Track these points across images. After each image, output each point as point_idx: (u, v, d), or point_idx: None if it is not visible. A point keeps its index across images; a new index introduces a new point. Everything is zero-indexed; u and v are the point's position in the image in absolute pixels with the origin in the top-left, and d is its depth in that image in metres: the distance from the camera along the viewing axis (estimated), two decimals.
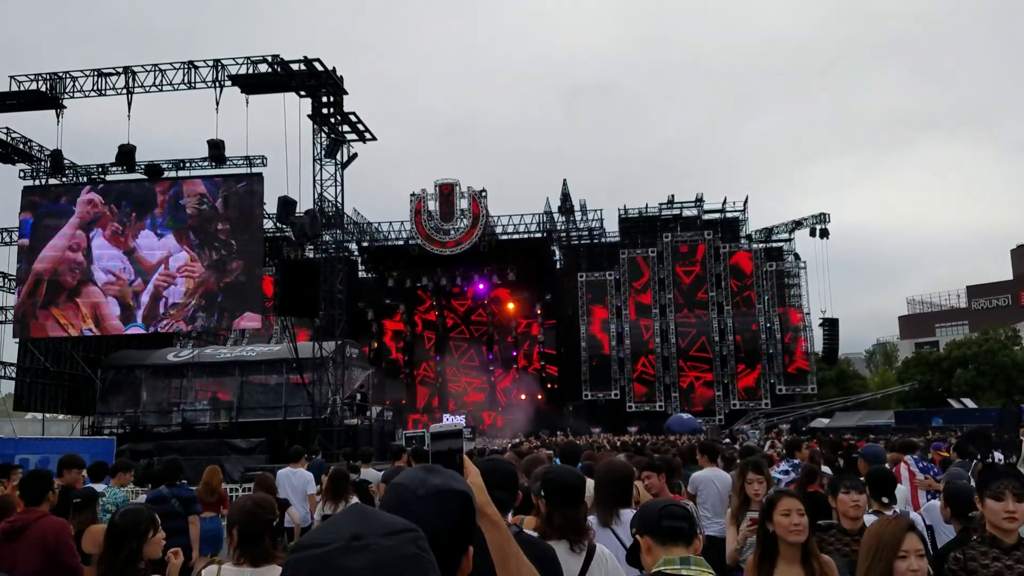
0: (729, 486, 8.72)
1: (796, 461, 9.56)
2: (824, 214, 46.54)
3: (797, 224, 48.27)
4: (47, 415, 34.17)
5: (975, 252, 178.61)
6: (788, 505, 3.89)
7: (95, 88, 26.75)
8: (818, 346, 48.08)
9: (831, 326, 46.34)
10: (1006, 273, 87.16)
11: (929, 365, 61.94)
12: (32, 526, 5.24)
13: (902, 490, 7.66)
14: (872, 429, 41.59)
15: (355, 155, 27.47)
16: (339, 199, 26.46)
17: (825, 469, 9.46)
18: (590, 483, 5.51)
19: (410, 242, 49.14)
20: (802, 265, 48.56)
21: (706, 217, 49.89)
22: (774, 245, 49.65)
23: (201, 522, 8.58)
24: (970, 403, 48.65)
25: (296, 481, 10.87)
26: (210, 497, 9.45)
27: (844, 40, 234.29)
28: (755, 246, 49.02)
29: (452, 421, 1.99)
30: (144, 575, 3.94)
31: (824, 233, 46.08)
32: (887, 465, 7.96)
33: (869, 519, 5.66)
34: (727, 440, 27.66)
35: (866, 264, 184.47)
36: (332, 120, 26.11)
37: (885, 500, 5.66)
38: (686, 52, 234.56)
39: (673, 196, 49.82)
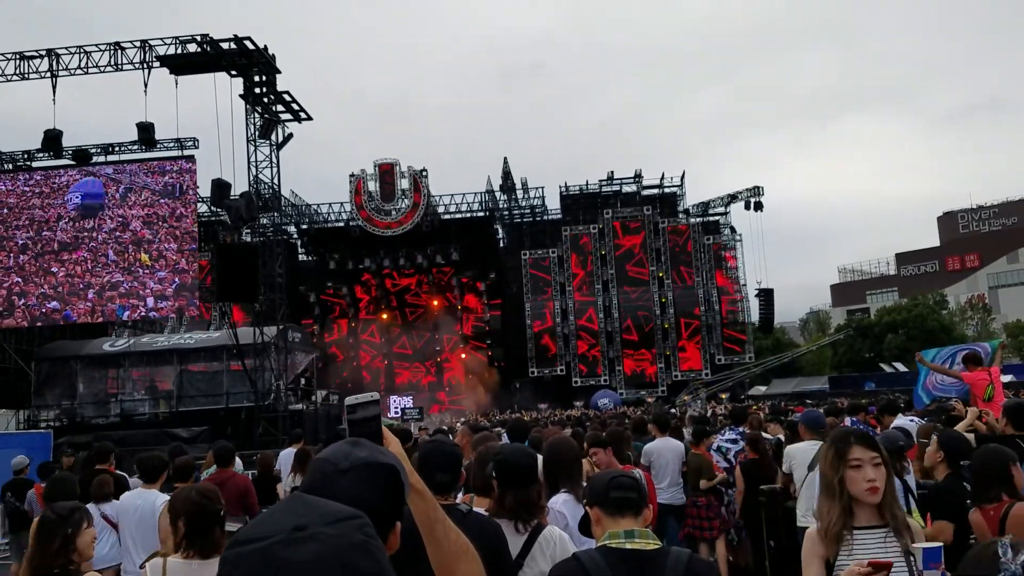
0: (681, 455, 8.94)
1: (741, 429, 9.82)
2: (758, 187, 47.51)
3: (732, 198, 49.18)
4: None
5: (903, 221, 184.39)
6: (860, 454, 3.00)
7: (17, 72, 25.67)
8: (754, 316, 49.27)
9: (766, 296, 47.47)
10: (933, 240, 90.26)
11: (861, 332, 63.82)
12: (229, 480, 7.68)
13: None
14: (808, 395, 42.81)
15: (290, 135, 26.96)
16: (275, 181, 25.98)
17: (770, 437, 9.74)
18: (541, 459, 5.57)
19: (351, 224, 48.63)
20: (738, 238, 49.58)
21: (645, 193, 50.48)
22: (711, 219, 50.51)
23: None
24: (901, 367, 50.34)
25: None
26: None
27: (772, 19, 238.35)
28: (692, 220, 49.80)
29: (368, 394, 1.91)
30: (76, 573, 3.74)
31: (758, 206, 47.06)
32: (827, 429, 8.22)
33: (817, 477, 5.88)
34: (673, 410, 28.21)
35: (799, 235, 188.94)
36: (265, 100, 25.53)
37: None
38: (620, 31, 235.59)
39: (613, 173, 50.35)
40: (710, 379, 46.36)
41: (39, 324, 27.08)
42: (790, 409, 18.46)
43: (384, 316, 51.43)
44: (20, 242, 26.02)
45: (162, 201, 25.98)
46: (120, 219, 25.95)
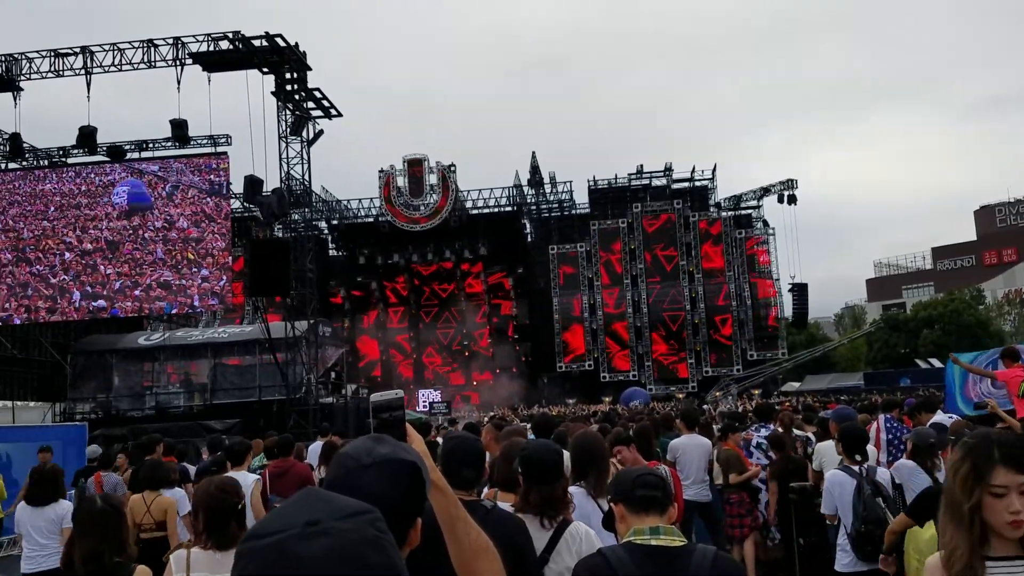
0: (708, 451, 8.87)
1: (771, 426, 9.70)
2: (792, 180, 46.98)
3: (765, 191, 48.68)
4: (17, 403, 33.72)
5: (939, 214, 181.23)
6: (1006, 480, 2.27)
7: (52, 69, 26.13)
8: (788, 311, 48.70)
9: (800, 291, 46.95)
10: (970, 234, 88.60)
11: (896, 327, 62.93)
12: (292, 468, 8.13)
13: (870, 448, 7.82)
14: (842, 391, 42.30)
15: (321, 132, 27.16)
16: (306, 177, 26.18)
17: (801, 433, 9.61)
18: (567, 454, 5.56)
19: (380, 219, 48.92)
20: (771, 232, 49.06)
21: (675, 186, 50.11)
22: (743, 212, 50.03)
23: None
24: (937, 363, 49.54)
25: None
26: None
27: (802, 7, 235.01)
28: (724, 214, 49.37)
29: (392, 392, 1.92)
30: (127, 565, 3.88)
31: (792, 199, 46.56)
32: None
33: (835, 474, 5.80)
34: (704, 407, 28.05)
35: (833, 228, 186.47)
36: (296, 97, 25.73)
37: (858, 457, 5.79)
38: (645, 20, 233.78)
39: (642, 166, 50.03)
40: (741, 375, 45.98)
41: (86, 319, 27.58)
42: (821, 405, 18.26)
43: (412, 310, 51.67)
44: (67, 240, 26.48)
45: (207, 199, 26.34)
46: (166, 217, 26.31)
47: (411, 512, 1.52)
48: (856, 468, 5.69)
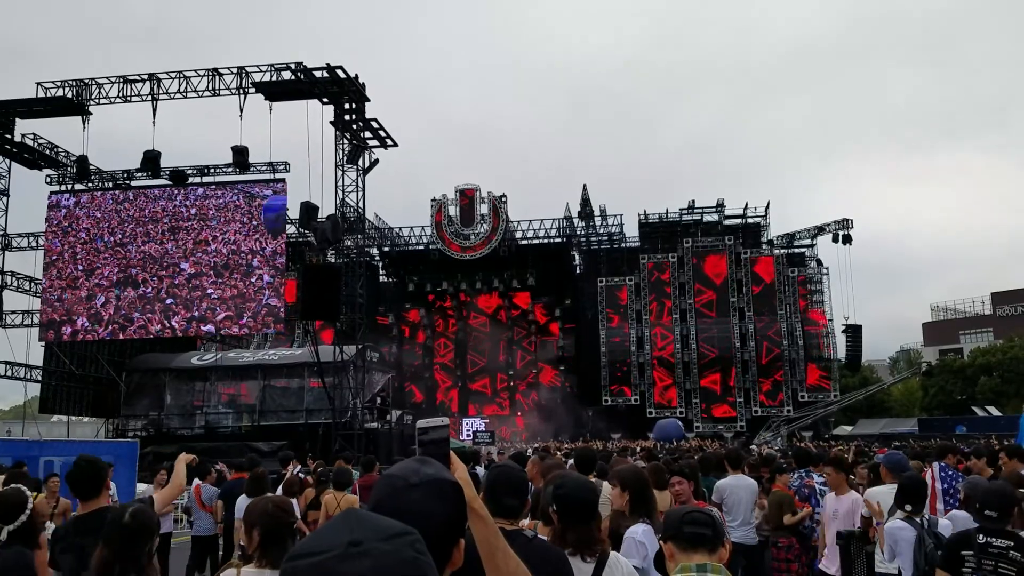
0: (755, 493, 8.68)
1: (813, 473, 9.43)
2: (847, 220, 46.21)
3: (819, 230, 47.95)
4: (72, 417, 34.54)
5: (1000, 258, 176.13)
6: None
7: (121, 95, 27.06)
8: (840, 353, 47.65)
9: (854, 332, 45.93)
10: None
11: (953, 372, 61.22)
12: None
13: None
14: (895, 437, 41.17)
15: (376, 161, 27.63)
16: (360, 204, 26.60)
17: (819, 478, 9.30)
18: (606, 487, 5.51)
19: (430, 247, 49.39)
20: (825, 271, 48.22)
21: (727, 222, 49.64)
22: (796, 251, 49.32)
23: None
24: (994, 411, 48.01)
25: None
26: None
27: (860, 42, 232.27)
28: (777, 252, 48.73)
29: (439, 419, 1.97)
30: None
31: (847, 239, 45.75)
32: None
33: (897, 525, 5.65)
34: (752, 447, 27.54)
35: (889, 269, 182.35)
36: (354, 127, 26.25)
37: (908, 508, 5.63)
38: (701, 54, 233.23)
39: (693, 201, 49.68)
40: (792, 416, 45.03)
41: (150, 337, 28.35)
42: (872, 451, 17.76)
43: (459, 338, 51.84)
44: (174, 260, 27.34)
45: (269, 224, 27.05)
46: (231, 240, 27.01)
47: (456, 531, 1.54)
48: (917, 519, 5.55)
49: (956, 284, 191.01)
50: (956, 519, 6.02)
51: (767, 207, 49.90)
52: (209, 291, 26.71)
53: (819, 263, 48.65)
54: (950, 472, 8.60)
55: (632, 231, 50.82)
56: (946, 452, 9.91)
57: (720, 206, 49.45)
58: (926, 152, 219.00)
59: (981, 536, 4.44)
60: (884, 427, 48.12)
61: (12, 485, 5.16)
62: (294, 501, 8.04)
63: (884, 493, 6.94)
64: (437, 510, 1.49)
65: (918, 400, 63.77)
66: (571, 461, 10.33)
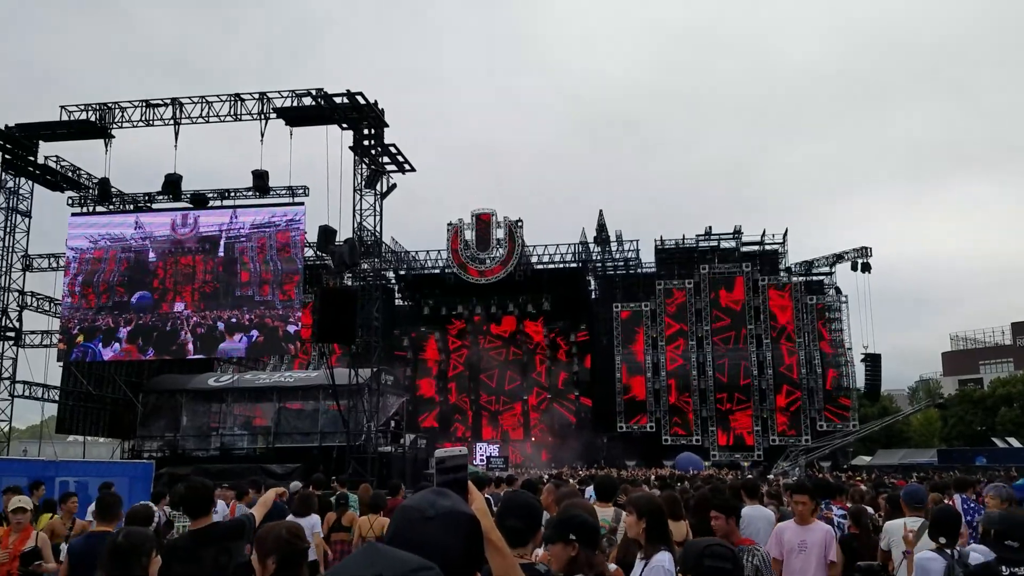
0: (772, 523, 8.57)
1: (833, 505, 9.32)
2: (866, 248, 45.97)
3: (838, 258, 47.69)
4: (88, 438, 34.66)
5: (1020, 288, 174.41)
6: None
7: (143, 119, 27.43)
8: (859, 382, 47.20)
9: (873, 362, 45.51)
10: None
11: (973, 403, 60.51)
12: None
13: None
14: (914, 467, 40.64)
15: (394, 186, 27.81)
16: (377, 228, 26.75)
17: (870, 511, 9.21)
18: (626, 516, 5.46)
19: (446, 271, 49.52)
20: (843, 299, 47.84)
21: (744, 249, 49.45)
22: (814, 279, 49.04)
23: None
24: (1015, 442, 47.36)
25: None
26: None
27: (878, 71, 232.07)
28: (795, 279, 48.46)
29: (457, 449, 1.96)
30: None
31: (866, 267, 45.47)
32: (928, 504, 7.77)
33: (927, 556, 5.57)
34: (770, 476, 27.25)
35: (908, 298, 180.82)
36: (373, 152, 26.46)
37: (942, 540, 5.56)
38: (719, 81, 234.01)
39: (711, 228, 49.55)
40: (810, 445, 44.53)
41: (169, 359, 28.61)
42: (891, 483, 17.52)
43: (473, 362, 51.76)
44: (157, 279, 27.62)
45: (291, 248, 27.29)
46: (252, 264, 27.25)
47: (473, 564, 1.56)
48: (948, 551, 5.48)
49: (976, 314, 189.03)
50: (980, 551, 5.93)
51: (785, 234, 49.72)
52: (229, 316, 26.89)
53: (838, 291, 48.32)
54: (971, 504, 8.50)
55: (648, 256, 50.74)
56: (965, 485, 9.79)
57: (738, 232, 49.31)
58: (946, 182, 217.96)
59: (1004, 568, 4.39)
60: (903, 458, 47.53)
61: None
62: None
63: (903, 526, 6.84)
64: (453, 543, 1.50)
65: (937, 430, 63.02)
66: (588, 488, 10.26)
